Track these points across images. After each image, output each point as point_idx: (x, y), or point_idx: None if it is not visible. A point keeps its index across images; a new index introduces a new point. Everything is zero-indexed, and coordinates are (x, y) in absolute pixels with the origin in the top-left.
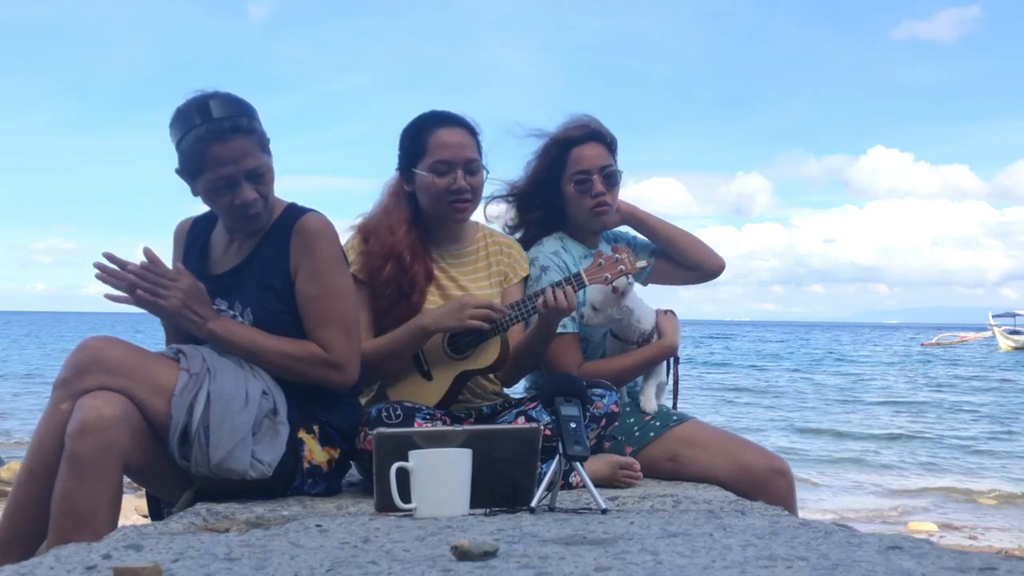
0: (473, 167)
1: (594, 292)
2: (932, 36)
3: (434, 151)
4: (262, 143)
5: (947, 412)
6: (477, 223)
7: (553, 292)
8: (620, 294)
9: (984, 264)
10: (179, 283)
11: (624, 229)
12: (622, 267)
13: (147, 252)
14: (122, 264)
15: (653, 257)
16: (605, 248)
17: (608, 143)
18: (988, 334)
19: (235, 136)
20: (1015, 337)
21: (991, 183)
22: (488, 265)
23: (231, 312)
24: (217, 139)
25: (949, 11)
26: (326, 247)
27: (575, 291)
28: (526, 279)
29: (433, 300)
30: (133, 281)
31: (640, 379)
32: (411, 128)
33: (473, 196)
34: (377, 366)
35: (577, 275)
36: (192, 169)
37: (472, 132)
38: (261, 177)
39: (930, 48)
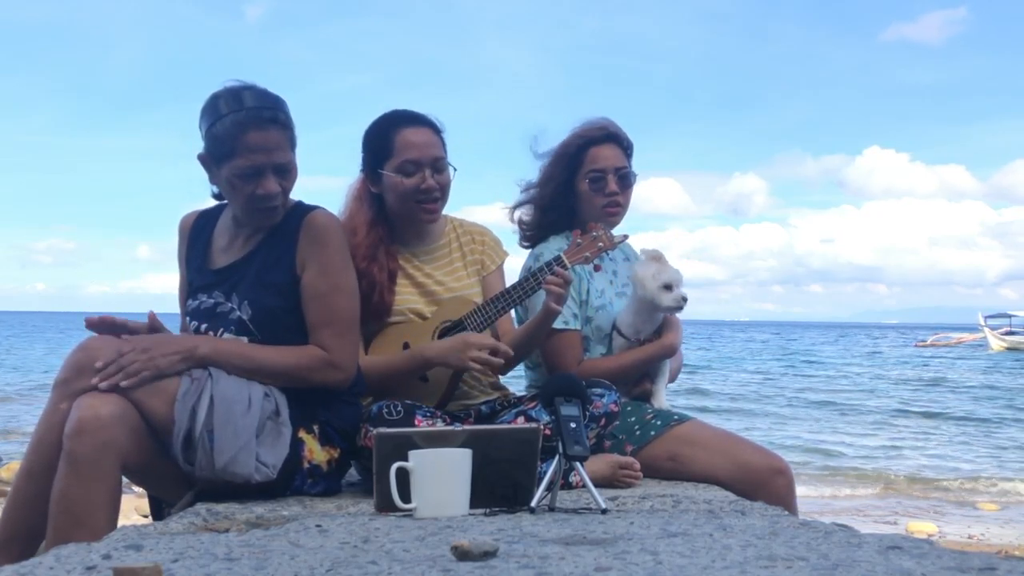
0: (440, 165)
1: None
2: (922, 38)
3: (401, 151)
4: (292, 141)
5: (932, 413)
6: (445, 216)
7: (550, 275)
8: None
9: (983, 264)
10: (138, 346)
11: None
12: (600, 244)
13: (151, 316)
14: (118, 323)
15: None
16: (615, 256)
17: (625, 147)
18: (982, 335)
19: (272, 127)
20: (1008, 338)
21: (987, 183)
22: (463, 256)
23: (229, 304)
24: (255, 126)
25: (937, 13)
26: (336, 243)
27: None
28: (502, 264)
29: (412, 298)
30: (110, 384)
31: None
32: (375, 128)
33: (441, 195)
34: (374, 384)
35: (558, 259)
36: (221, 154)
37: (437, 131)
38: (287, 173)
39: (921, 50)
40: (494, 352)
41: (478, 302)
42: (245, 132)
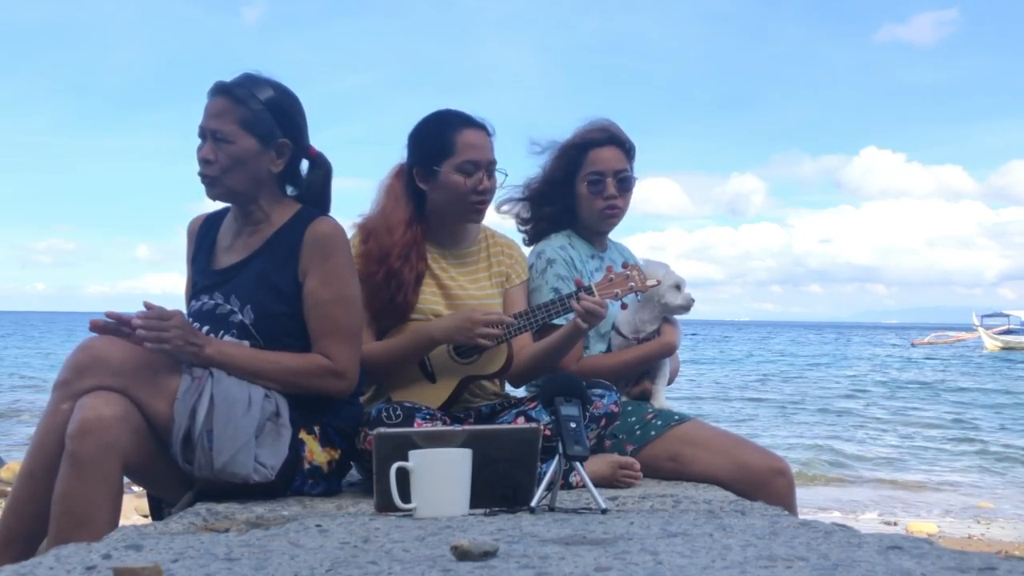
0: (493, 169)
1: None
2: (914, 39)
3: (462, 151)
4: (244, 117)
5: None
6: (479, 223)
7: (580, 303)
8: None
9: (981, 264)
10: (173, 321)
11: (622, 243)
12: (632, 283)
13: (146, 304)
14: (124, 320)
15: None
16: (615, 259)
17: (626, 149)
18: (977, 335)
19: (219, 96)
20: (1003, 337)
21: (984, 184)
22: (489, 266)
23: (228, 307)
24: (209, 95)
25: (929, 14)
26: (340, 252)
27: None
28: (527, 282)
29: (435, 299)
30: (139, 336)
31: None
32: (434, 125)
33: (491, 198)
34: (381, 369)
35: (588, 288)
36: None
37: (491, 134)
38: (223, 145)
39: (914, 51)
40: (498, 323)
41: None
42: (207, 100)
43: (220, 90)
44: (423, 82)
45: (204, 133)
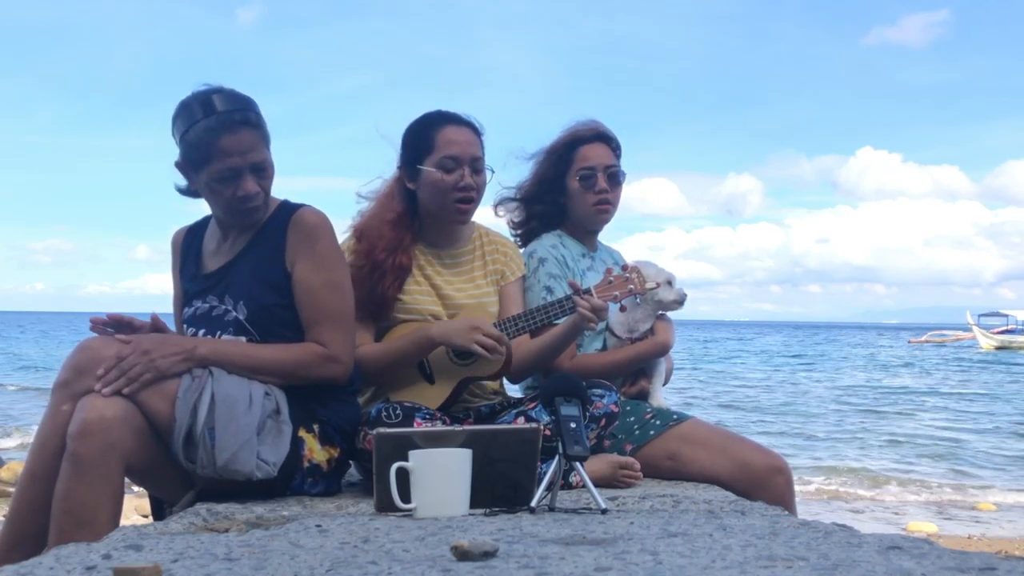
0: (478, 166)
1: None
2: (904, 40)
3: (442, 147)
4: (266, 139)
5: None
6: (474, 222)
7: (585, 302)
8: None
9: (980, 264)
10: (138, 348)
11: (613, 248)
12: (631, 286)
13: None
14: (124, 321)
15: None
16: (605, 260)
17: (613, 146)
18: (973, 335)
19: (244, 128)
20: (1000, 337)
21: (981, 184)
22: (484, 264)
23: (223, 307)
24: (227, 131)
25: (919, 15)
26: (326, 239)
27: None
28: (523, 278)
29: (430, 299)
30: (113, 389)
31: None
32: (418, 124)
33: (477, 195)
34: (380, 370)
35: (587, 290)
36: (197, 160)
37: (478, 132)
38: (264, 172)
39: (910, 52)
40: (499, 341)
41: (494, 312)
42: (218, 137)
43: (243, 122)
44: (423, 82)
45: (241, 171)
